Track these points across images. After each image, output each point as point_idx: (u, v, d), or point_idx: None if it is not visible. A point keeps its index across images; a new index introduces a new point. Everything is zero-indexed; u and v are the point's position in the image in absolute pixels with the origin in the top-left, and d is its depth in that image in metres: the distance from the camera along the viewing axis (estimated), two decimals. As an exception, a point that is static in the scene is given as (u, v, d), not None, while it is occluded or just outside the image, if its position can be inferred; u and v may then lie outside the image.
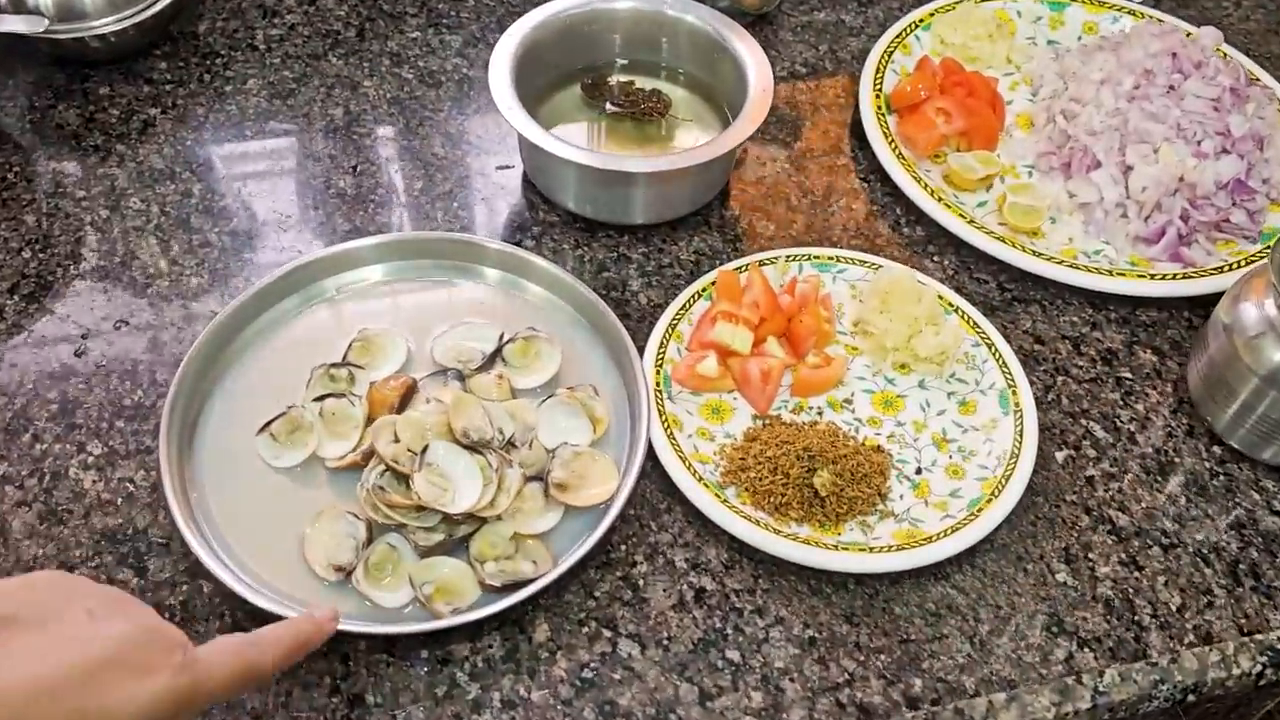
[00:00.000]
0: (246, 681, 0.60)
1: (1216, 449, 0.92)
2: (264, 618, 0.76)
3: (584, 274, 0.99)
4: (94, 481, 0.84)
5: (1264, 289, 0.87)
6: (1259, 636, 0.81)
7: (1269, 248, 1.02)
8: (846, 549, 0.81)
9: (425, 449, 0.81)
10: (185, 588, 0.79)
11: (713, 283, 0.95)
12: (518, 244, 1.00)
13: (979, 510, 0.84)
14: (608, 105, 1.08)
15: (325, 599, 0.78)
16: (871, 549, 0.81)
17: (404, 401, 0.87)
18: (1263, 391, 0.86)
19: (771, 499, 0.84)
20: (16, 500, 0.83)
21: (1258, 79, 1.16)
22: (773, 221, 1.04)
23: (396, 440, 0.82)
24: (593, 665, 0.77)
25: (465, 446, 0.82)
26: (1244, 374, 0.87)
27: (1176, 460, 0.91)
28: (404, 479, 0.81)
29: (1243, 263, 1.01)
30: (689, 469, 0.84)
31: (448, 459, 0.81)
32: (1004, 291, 1.01)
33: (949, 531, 0.83)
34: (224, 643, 0.60)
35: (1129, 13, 1.22)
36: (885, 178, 1.07)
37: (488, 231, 1.02)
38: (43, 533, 0.81)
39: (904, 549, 0.81)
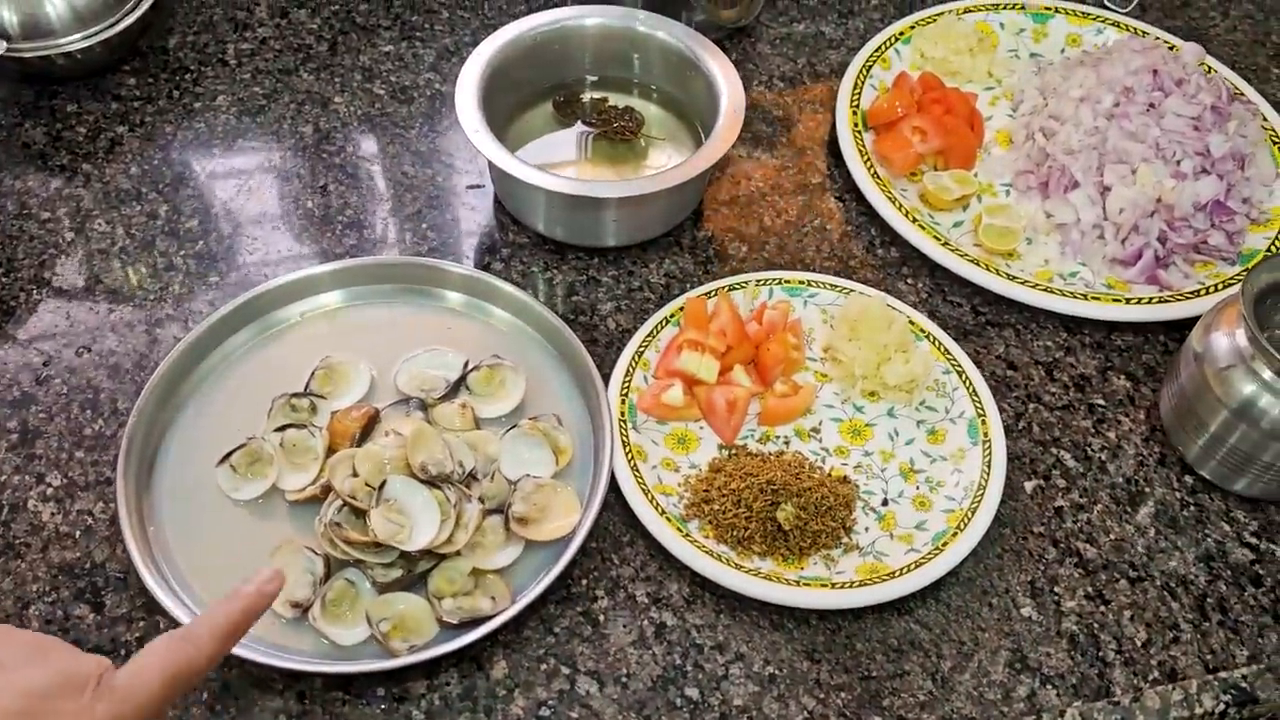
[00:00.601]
0: (183, 681, 0.59)
1: (1188, 478, 0.91)
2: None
3: (553, 297, 0.98)
4: (52, 514, 0.84)
5: (1235, 319, 0.86)
6: (1223, 674, 0.80)
7: (1247, 270, 1.00)
8: (808, 585, 0.81)
9: (383, 484, 0.80)
10: (142, 623, 0.79)
11: (680, 309, 0.94)
12: (486, 266, 0.99)
13: (944, 544, 0.83)
14: (580, 124, 1.07)
15: (282, 636, 0.78)
16: (834, 584, 0.81)
17: (365, 432, 0.86)
18: (1232, 424, 0.85)
19: (734, 532, 0.83)
20: (-26, 533, 0.83)
21: (1241, 94, 1.14)
22: (745, 242, 1.03)
23: (355, 475, 0.82)
24: (550, 703, 0.77)
25: (423, 481, 0.81)
26: (1214, 405, 0.86)
27: (1147, 490, 0.90)
28: (361, 514, 0.80)
29: (1220, 285, 0.99)
30: (651, 502, 0.84)
31: (405, 494, 0.80)
32: (978, 315, 1.00)
33: (913, 566, 0.82)
34: (151, 649, 0.59)
35: (1113, 25, 1.21)
36: (861, 197, 1.06)
37: (456, 253, 1.01)
38: (0, 567, 0.81)
39: (866, 584, 0.81)
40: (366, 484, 0.81)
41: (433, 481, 0.81)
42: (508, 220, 1.03)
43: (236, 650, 0.75)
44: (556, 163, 1.05)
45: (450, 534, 0.79)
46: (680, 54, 1.04)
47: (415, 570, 0.80)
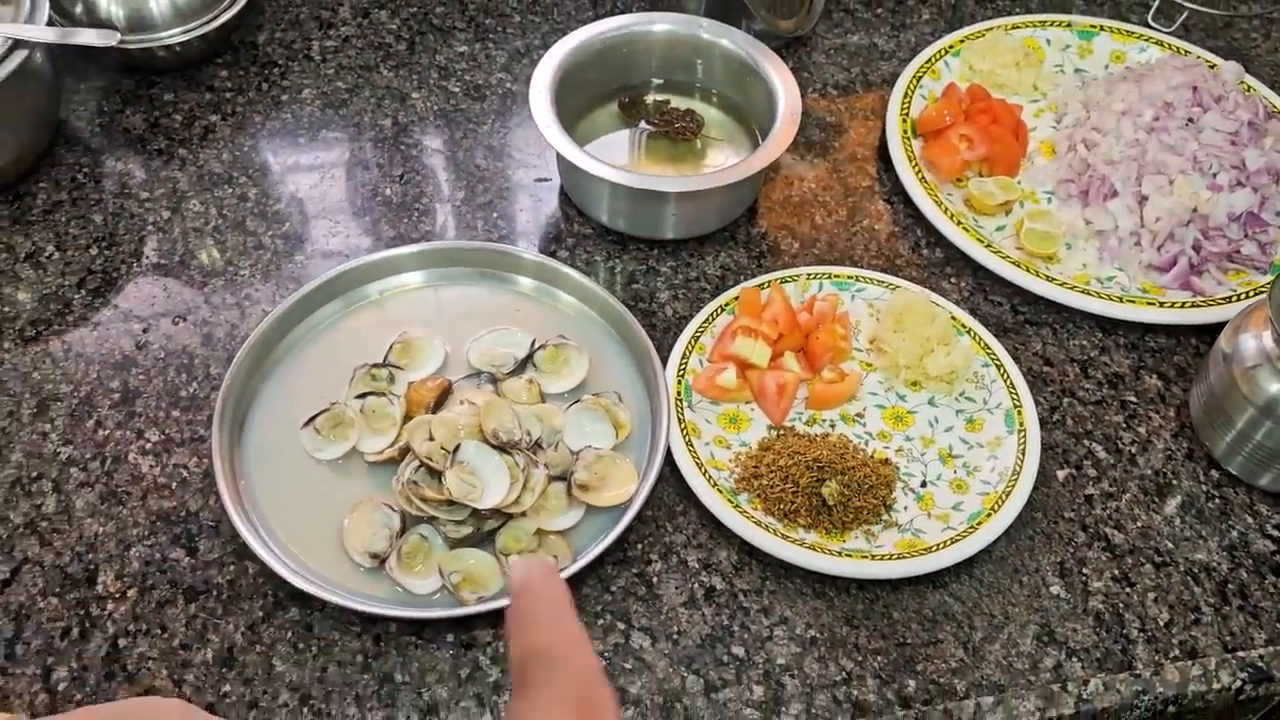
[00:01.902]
0: None
1: (1214, 473, 0.95)
2: (304, 598, 0.83)
3: (614, 285, 1.04)
4: (151, 466, 0.91)
5: (1263, 322, 0.91)
6: (1241, 653, 0.85)
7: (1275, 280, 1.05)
8: (850, 555, 0.86)
9: (457, 448, 0.87)
10: (232, 568, 0.86)
11: (735, 298, 1.00)
12: (552, 254, 1.06)
13: (978, 524, 0.88)
14: (643, 123, 1.13)
15: (361, 584, 0.84)
16: (874, 556, 0.86)
17: (439, 402, 0.93)
18: (1258, 421, 0.90)
19: (781, 506, 0.89)
20: (80, 481, 0.90)
21: (1279, 111, 1.18)
22: (797, 239, 1.09)
23: (431, 439, 0.88)
24: (606, 655, 0.83)
25: (494, 447, 0.87)
26: (1241, 403, 0.91)
27: (1174, 482, 0.95)
28: (437, 475, 0.86)
29: (1252, 293, 1.04)
30: (704, 475, 0.89)
31: (478, 458, 0.86)
32: (1017, 314, 1.05)
33: (948, 543, 0.87)
34: None
35: (1156, 43, 1.25)
36: (908, 200, 1.11)
37: (525, 241, 1.07)
38: (104, 512, 0.88)
39: (904, 558, 0.86)
40: (442, 447, 0.87)
41: (503, 447, 0.87)
42: (573, 212, 1.10)
43: (319, 593, 0.81)
44: (620, 159, 1.11)
45: (518, 496, 0.86)
46: (741, 60, 1.10)
47: (484, 528, 0.86)
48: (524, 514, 0.86)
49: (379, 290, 1.00)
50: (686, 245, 1.08)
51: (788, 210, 1.11)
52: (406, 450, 0.88)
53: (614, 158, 1.11)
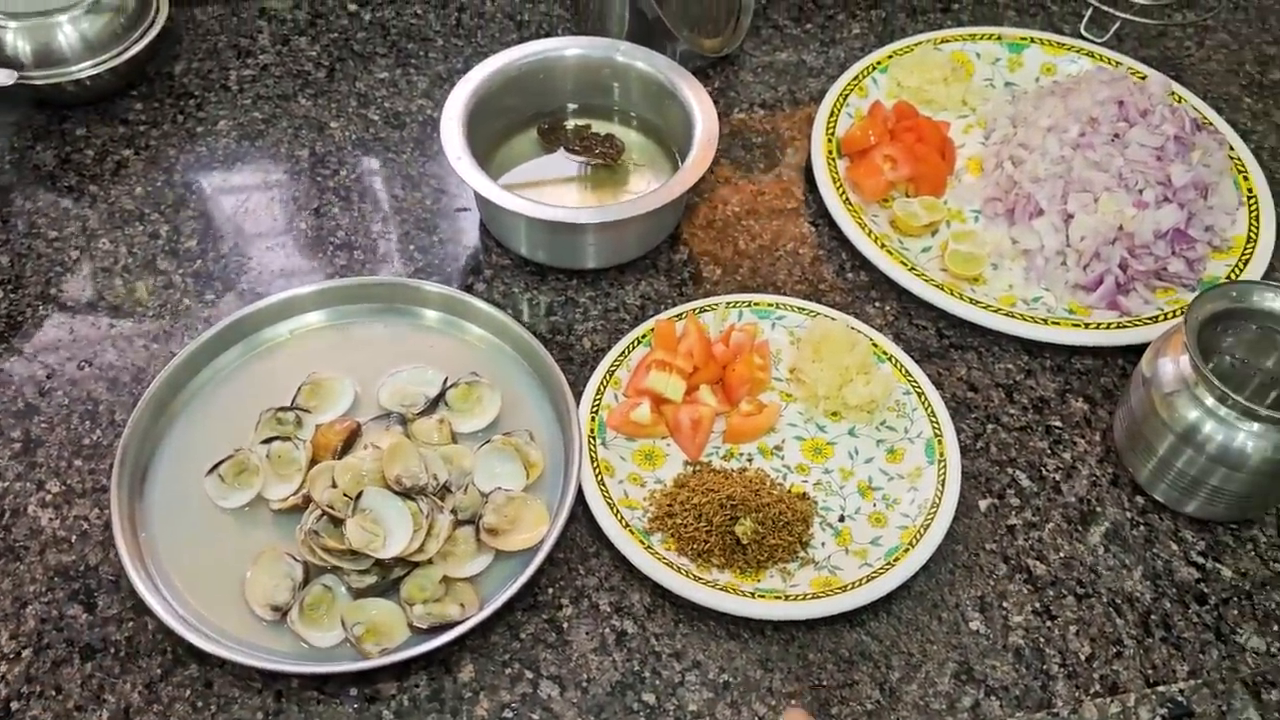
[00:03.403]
0: None
1: (1139, 499, 0.94)
2: (204, 654, 0.81)
3: (533, 317, 1.02)
4: (50, 519, 0.89)
5: (1181, 346, 0.89)
6: (1162, 687, 0.83)
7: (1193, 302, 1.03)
8: (764, 596, 0.84)
9: (360, 495, 0.85)
10: (131, 624, 0.84)
11: (652, 330, 0.98)
12: (469, 286, 1.04)
13: (896, 560, 0.87)
14: (562, 150, 1.11)
15: (261, 638, 0.82)
16: (788, 596, 0.84)
17: (347, 445, 0.91)
18: (1178, 448, 0.88)
19: (694, 545, 0.87)
20: (-23, 536, 0.88)
21: (1210, 123, 1.17)
22: (720, 265, 1.07)
23: (334, 485, 0.86)
24: (513, 706, 0.81)
25: (398, 493, 0.85)
26: (1161, 430, 0.89)
27: (1098, 510, 0.93)
28: (339, 523, 0.84)
29: (1179, 311, 1.03)
30: (616, 515, 0.87)
31: (381, 505, 0.84)
32: (942, 338, 1.03)
33: (865, 580, 0.85)
34: None
35: (1088, 54, 1.24)
36: (833, 222, 1.09)
37: (442, 273, 1.05)
38: (0, 569, 0.86)
39: (820, 597, 0.84)
40: (344, 494, 0.85)
41: (407, 493, 0.85)
42: (492, 243, 1.08)
43: (218, 650, 0.79)
44: (540, 186, 1.10)
45: (422, 543, 0.84)
46: (658, 83, 1.08)
47: (389, 577, 0.84)
48: (429, 561, 0.85)
49: (288, 330, 0.98)
50: (607, 274, 1.06)
51: (711, 235, 1.10)
52: (310, 498, 0.86)
53: (533, 186, 1.09)
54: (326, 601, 0.83)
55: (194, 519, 0.88)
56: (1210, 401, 0.86)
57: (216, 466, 0.89)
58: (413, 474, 0.86)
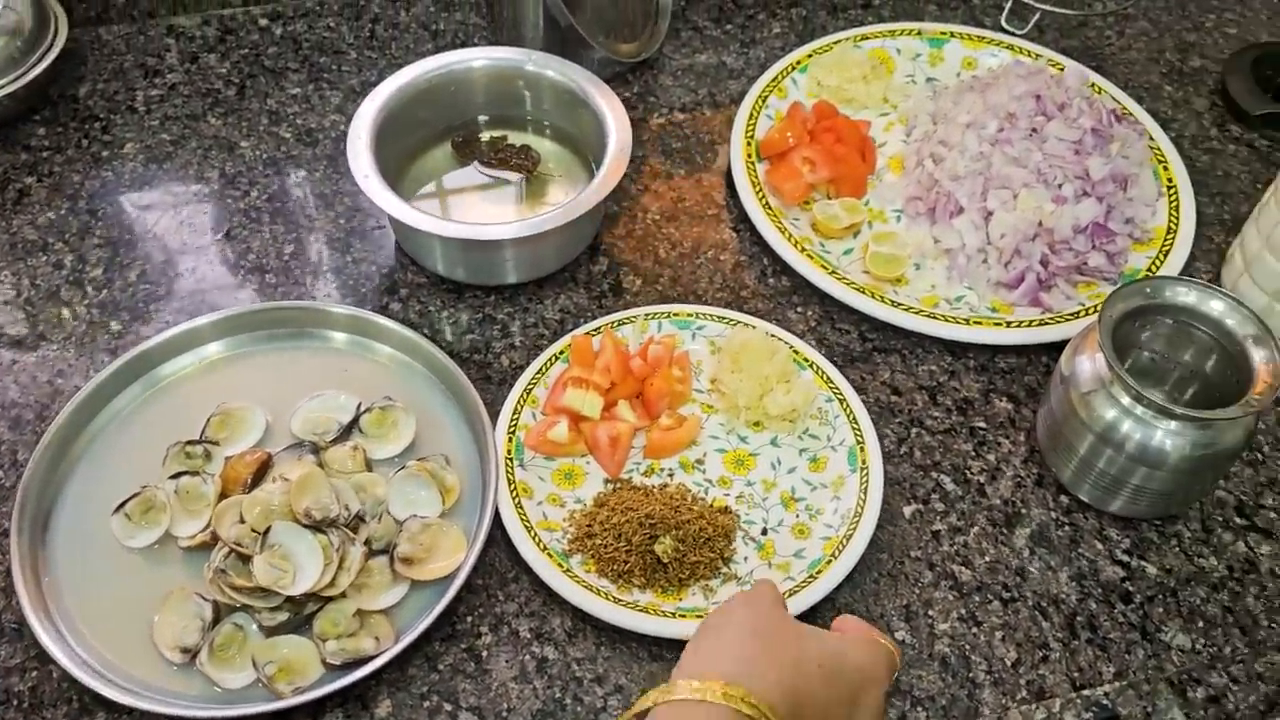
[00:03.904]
0: None
1: (1064, 498, 0.93)
2: (110, 705, 0.78)
3: (451, 336, 1.00)
4: (-49, 567, 0.86)
5: (1097, 344, 0.88)
6: (1088, 691, 0.83)
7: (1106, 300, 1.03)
8: (685, 616, 0.83)
9: (268, 530, 0.83)
10: (34, 673, 0.81)
11: (569, 346, 0.96)
12: (384, 307, 1.02)
13: (818, 572, 0.85)
14: (476, 164, 1.09)
15: (170, 682, 0.80)
16: (709, 615, 0.83)
17: (258, 476, 0.88)
18: (1098, 448, 0.88)
19: (614, 566, 0.86)
20: (-126, 588, 0.85)
21: (1129, 113, 1.17)
22: (640, 276, 1.06)
23: (242, 521, 0.84)
24: (431, 740, 0.79)
25: (308, 526, 0.83)
26: (1080, 430, 0.89)
27: (1023, 511, 0.93)
28: (247, 560, 0.82)
29: (1100, 306, 1.02)
30: (534, 539, 0.86)
31: (289, 539, 0.82)
32: (865, 341, 1.02)
33: (788, 595, 0.84)
34: None
35: (1008, 48, 1.23)
36: (754, 227, 1.08)
37: (357, 294, 1.03)
38: (-102, 621, 0.83)
39: (741, 614, 0.83)
40: (253, 530, 0.83)
41: (317, 526, 0.83)
42: (408, 261, 1.06)
43: (123, 699, 0.77)
44: (456, 202, 1.08)
45: (333, 577, 0.82)
46: (571, 92, 1.07)
47: (301, 613, 0.82)
48: (343, 595, 0.83)
49: (193, 361, 0.96)
50: (525, 289, 1.04)
51: (631, 244, 1.08)
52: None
53: (449, 201, 1.07)
54: (237, 641, 0.81)
55: (100, 561, 0.86)
56: (1126, 400, 0.86)
57: (123, 505, 0.87)
58: (323, 505, 0.84)
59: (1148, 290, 0.89)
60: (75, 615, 0.83)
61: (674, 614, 0.83)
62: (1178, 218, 1.09)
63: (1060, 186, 1.05)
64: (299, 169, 1.13)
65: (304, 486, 0.85)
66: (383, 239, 1.08)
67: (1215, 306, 0.88)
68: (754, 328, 0.99)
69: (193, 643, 0.81)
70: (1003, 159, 1.07)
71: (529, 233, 0.97)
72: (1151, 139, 1.14)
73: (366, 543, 0.85)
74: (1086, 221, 1.04)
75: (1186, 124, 1.22)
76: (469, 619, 0.85)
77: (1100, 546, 0.91)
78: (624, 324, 0.99)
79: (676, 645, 0.82)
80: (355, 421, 0.92)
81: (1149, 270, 1.05)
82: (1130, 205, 1.07)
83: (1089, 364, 0.89)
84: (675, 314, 1.00)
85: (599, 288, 1.05)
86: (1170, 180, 1.12)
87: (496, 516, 0.87)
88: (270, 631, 0.81)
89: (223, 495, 0.87)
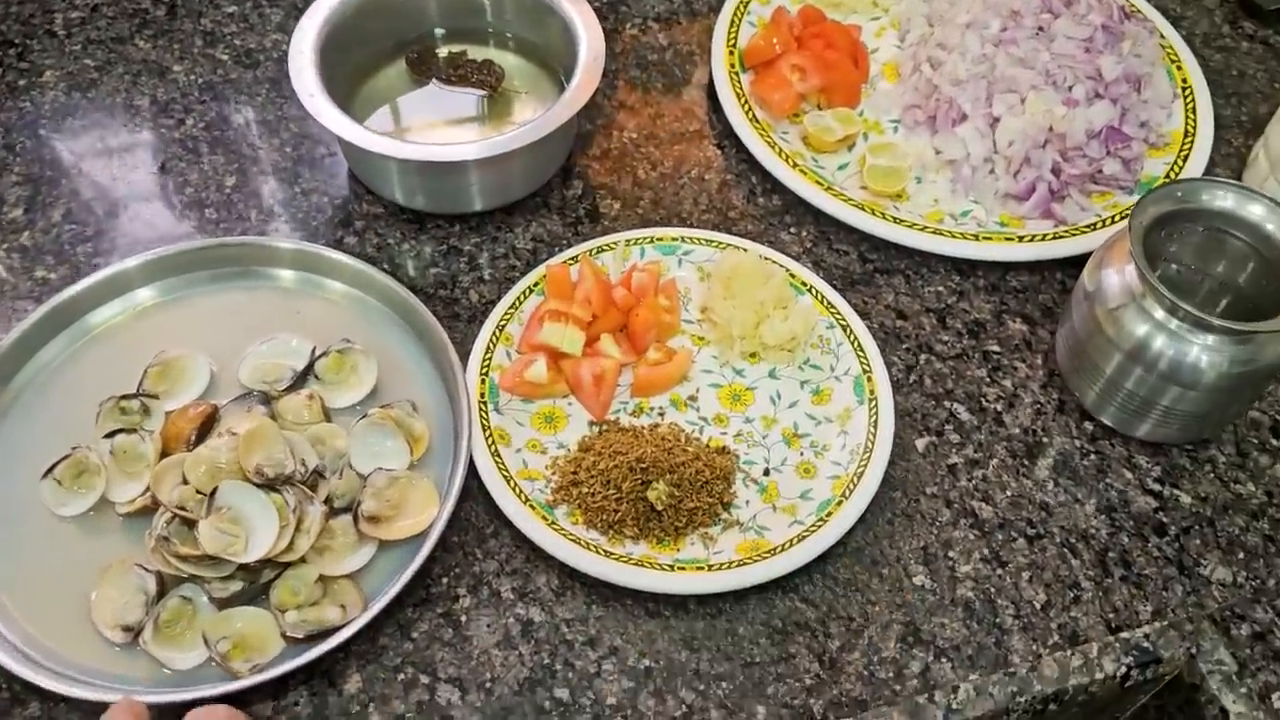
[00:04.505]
0: None
1: (1088, 425, 0.86)
2: (44, 694, 0.70)
3: (414, 270, 0.91)
4: None
5: (1125, 255, 0.80)
6: (1124, 635, 0.76)
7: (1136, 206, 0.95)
8: (684, 568, 0.75)
9: (215, 491, 0.74)
10: (-40, 660, 0.72)
11: (543, 277, 0.87)
12: (338, 241, 0.92)
13: (828, 515, 0.78)
14: (434, 82, 0.99)
15: (112, 664, 0.71)
16: (710, 566, 0.75)
17: (203, 432, 0.80)
18: (1127, 368, 0.80)
19: (604, 516, 0.78)
20: None
21: (1138, 10, 1.08)
22: (618, 199, 0.97)
23: (185, 482, 0.75)
24: (408, 717, 0.71)
25: (260, 485, 0.74)
26: (1107, 348, 0.81)
27: (1045, 440, 0.85)
28: (193, 525, 0.74)
29: (1118, 217, 0.94)
30: (514, 490, 0.78)
31: (239, 500, 0.74)
32: (865, 262, 0.94)
33: (796, 540, 0.77)
34: None
35: (1005, -58, 1.14)
36: (740, 143, 0.99)
37: (308, 229, 0.93)
38: None
39: (745, 564, 0.76)
40: (197, 491, 0.74)
41: (271, 484, 0.75)
42: (362, 190, 0.96)
43: (60, 688, 0.69)
44: (413, 123, 0.98)
45: (290, 541, 0.73)
46: (534, -2, 0.97)
47: (257, 582, 0.74)
48: (303, 560, 0.74)
49: (125, 308, 0.86)
50: (493, 217, 0.95)
51: (607, 165, 0.99)
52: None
53: (406, 122, 0.98)
54: (186, 615, 0.73)
55: (30, 532, 0.77)
56: (1160, 314, 0.78)
57: (52, 469, 0.78)
58: (276, 461, 0.76)
59: (1179, 194, 0.81)
60: (5, 594, 0.74)
61: (671, 567, 0.75)
62: (1195, 120, 1.01)
63: (1071, 88, 0.97)
64: (239, 94, 1.02)
65: (254, 441, 0.76)
66: (334, 167, 0.98)
67: (1255, 210, 0.80)
68: (745, 250, 0.90)
69: (135, 619, 0.72)
70: (1007, 60, 0.98)
71: (494, 153, 0.87)
72: (1163, 37, 1.06)
73: (327, 500, 0.77)
74: (1100, 125, 0.95)
75: (1197, 21, 1.13)
76: (445, 580, 0.77)
77: (1129, 475, 0.84)
78: (603, 251, 0.90)
79: (675, 600, 0.75)
80: (310, 367, 0.84)
81: (1167, 177, 0.97)
82: (1145, 108, 0.99)
83: (1116, 277, 0.81)
84: (659, 238, 0.91)
85: (574, 213, 0.95)
86: (1185, 81, 1.03)
87: (471, 466, 0.79)
88: (223, 604, 0.73)
89: (164, 454, 0.78)
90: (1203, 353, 0.77)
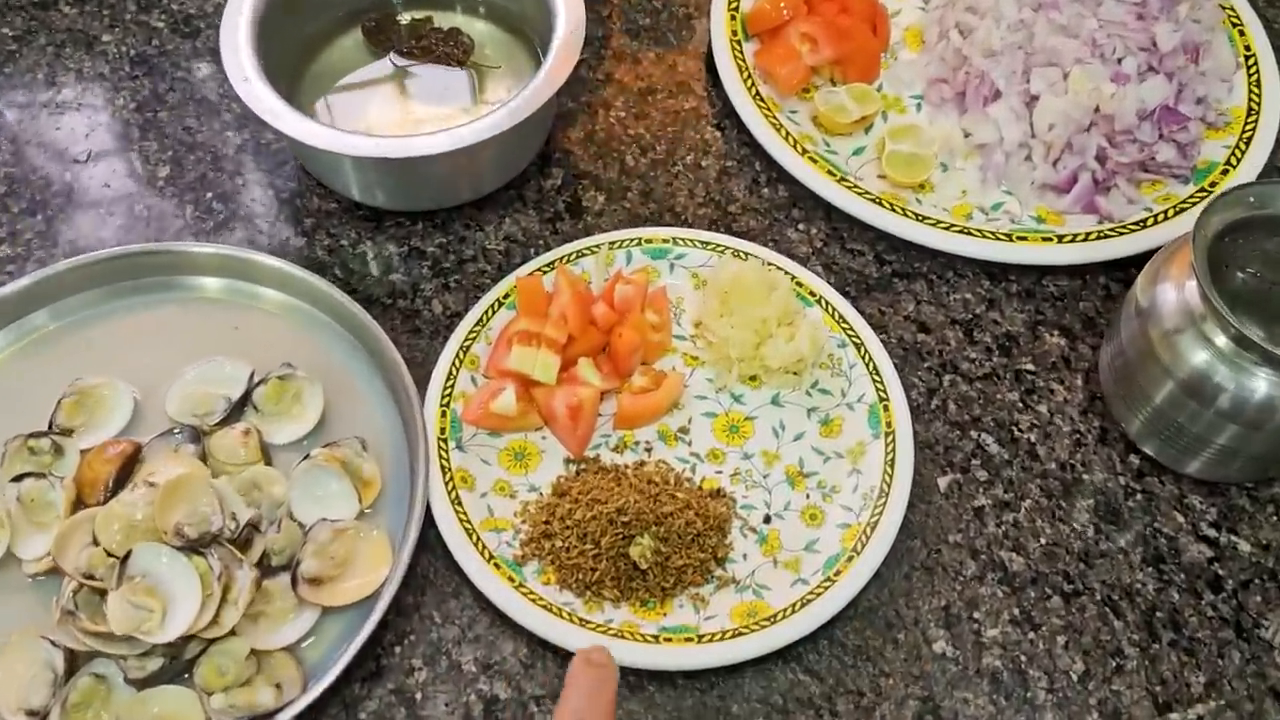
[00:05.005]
0: None
1: (1134, 458, 0.76)
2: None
3: (371, 277, 0.80)
4: None
5: (1187, 268, 0.69)
6: (1174, 715, 0.66)
7: (1202, 192, 0.84)
8: (670, 639, 0.66)
9: (128, 556, 0.64)
10: None
11: (514, 288, 0.77)
12: (285, 242, 0.82)
13: (837, 573, 0.68)
14: (393, 55, 0.88)
15: (13, 756, 0.62)
16: (701, 637, 0.66)
17: (122, 476, 0.70)
18: (1179, 400, 0.70)
19: (580, 575, 0.68)
20: None
21: (1196, -34, 0.95)
22: (603, 191, 0.85)
23: (95, 543, 0.65)
24: (353, 815, 0.62)
25: (181, 547, 0.65)
26: (1158, 376, 0.70)
27: (1085, 477, 0.75)
28: (105, 595, 0.64)
29: (1173, 211, 0.83)
30: (476, 545, 0.68)
31: (157, 567, 0.64)
32: (883, 265, 0.83)
33: (799, 605, 0.67)
34: None
35: (1044, -115, 1.00)
36: (742, 125, 0.87)
37: (250, 230, 0.83)
38: None
39: (742, 634, 0.66)
40: (108, 555, 0.65)
41: (194, 546, 0.65)
42: (314, 183, 0.85)
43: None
44: (370, 103, 0.86)
45: (216, 614, 0.64)
46: (507, -40, 0.85)
47: (181, 658, 0.64)
48: (232, 633, 0.64)
49: (41, 324, 0.76)
50: (461, 214, 0.84)
51: (590, 151, 0.87)
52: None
53: (361, 104, 0.86)
54: (99, 697, 0.64)
55: (-75, 593, 0.67)
56: (1221, 341, 0.67)
57: (-50, 520, 0.68)
58: (200, 518, 0.66)
59: (1252, 199, 0.70)
60: (-107, 668, 0.65)
61: (656, 637, 0.66)
62: (1259, 94, 0.89)
63: (1120, 61, 0.85)
64: (176, 68, 0.91)
65: (175, 493, 0.66)
66: (284, 154, 0.87)
67: (1340, 218, 0.69)
68: (747, 256, 0.79)
69: (41, 702, 0.63)
70: (1048, 28, 0.86)
71: (462, 144, 0.76)
72: (1223, -3, 0.93)
73: (263, 558, 0.67)
74: (1154, 105, 0.84)
75: (1261, -24, 1.00)
76: (398, 650, 0.67)
77: (1180, 519, 0.73)
78: (583, 255, 0.79)
79: (661, 677, 0.65)
80: (247, 396, 0.73)
81: (1227, 164, 0.85)
82: (1203, 81, 0.87)
83: (1174, 294, 0.70)
84: (648, 240, 0.80)
85: (552, 207, 0.84)
86: (1248, 48, 0.91)
87: (429, 516, 0.69)
88: (141, 684, 0.64)
89: (78, 503, 0.69)
90: (1272, 389, 0.66)
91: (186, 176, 0.85)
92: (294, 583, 0.66)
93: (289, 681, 0.64)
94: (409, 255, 0.82)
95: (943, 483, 0.74)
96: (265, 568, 0.67)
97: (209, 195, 0.84)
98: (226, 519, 0.66)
